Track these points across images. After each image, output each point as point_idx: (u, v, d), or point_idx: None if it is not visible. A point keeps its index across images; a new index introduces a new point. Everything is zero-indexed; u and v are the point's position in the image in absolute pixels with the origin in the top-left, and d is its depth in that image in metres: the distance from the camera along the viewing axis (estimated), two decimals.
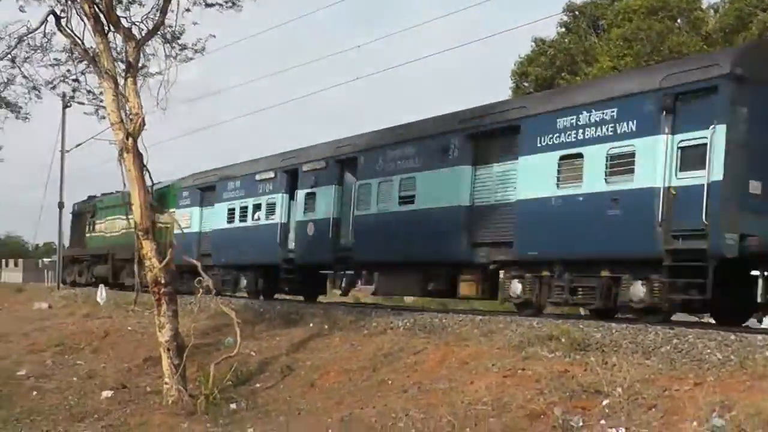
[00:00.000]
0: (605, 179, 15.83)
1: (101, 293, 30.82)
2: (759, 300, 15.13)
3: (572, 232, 16.40)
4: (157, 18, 16.44)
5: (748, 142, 14.19)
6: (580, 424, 10.01)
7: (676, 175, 14.79)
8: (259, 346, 18.25)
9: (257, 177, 27.25)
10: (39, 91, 18.62)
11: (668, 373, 10.64)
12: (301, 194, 25.00)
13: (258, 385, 15.81)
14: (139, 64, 16.53)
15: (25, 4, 16.52)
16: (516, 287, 17.88)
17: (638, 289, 15.24)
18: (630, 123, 15.69)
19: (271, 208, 26.19)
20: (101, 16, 15.76)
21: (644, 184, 15.17)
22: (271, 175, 26.58)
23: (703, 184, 14.25)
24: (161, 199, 32.41)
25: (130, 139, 15.60)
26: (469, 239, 18.93)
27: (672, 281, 14.68)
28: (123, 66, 16.28)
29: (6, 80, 18.23)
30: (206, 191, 30.54)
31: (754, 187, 14.22)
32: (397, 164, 21.21)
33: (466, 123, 19.60)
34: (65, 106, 40.93)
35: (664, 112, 15.08)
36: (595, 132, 16.32)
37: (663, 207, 14.80)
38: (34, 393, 16.85)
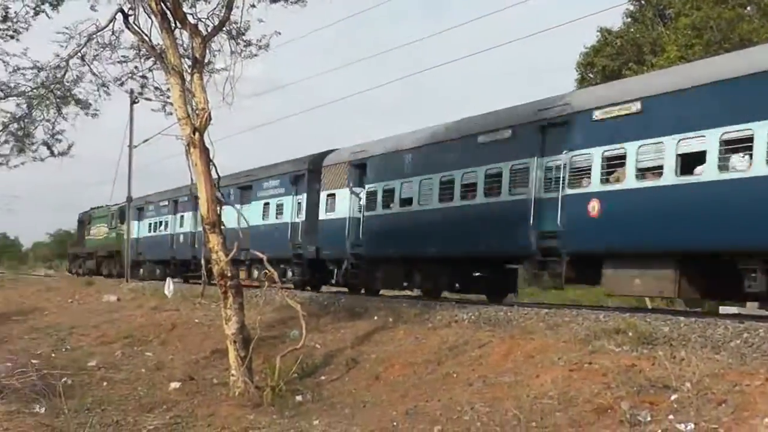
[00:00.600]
0: (276, 217, 30.39)
1: (169, 286, 31.26)
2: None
3: (268, 243, 27.10)
4: (222, 14, 16.57)
5: (316, 201, 27.68)
6: (648, 419, 9.88)
7: (297, 216, 28.92)
8: (324, 338, 18.36)
9: (160, 203, 44.30)
10: (108, 88, 18.90)
11: (738, 368, 10.45)
12: (178, 216, 41.37)
13: (323, 377, 15.90)
14: (205, 60, 16.68)
15: (96, 3, 16.79)
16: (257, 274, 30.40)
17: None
18: (281, 188, 30.59)
19: (166, 223, 43.05)
20: (168, 13, 15.94)
21: (286, 220, 29.67)
22: (165, 203, 43.37)
23: (298, 222, 28.69)
24: (123, 213, 48.44)
25: (197, 134, 15.74)
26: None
27: (294, 269, 29.14)
28: (189, 62, 16.45)
29: (76, 78, 18.53)
30: (140, 211, 46.73)
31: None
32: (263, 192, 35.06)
33: (236, 180, 33.56)
34: (133, 103, 41.52)
35: (292, 184, 29.59)
36: (274, 192, 31.02)
37: (291, 233, 28.87)
38: (105, 384, 17.13)
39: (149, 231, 45.32)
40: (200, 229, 35.48)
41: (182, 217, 40.48)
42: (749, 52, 17.46)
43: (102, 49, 17.79)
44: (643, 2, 42.08)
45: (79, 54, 17.49)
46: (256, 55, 18.28)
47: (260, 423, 12.87)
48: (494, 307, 18.18)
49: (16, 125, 20.06)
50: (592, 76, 41.73)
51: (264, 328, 17.51)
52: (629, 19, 42.53)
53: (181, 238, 40.33)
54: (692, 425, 9.38)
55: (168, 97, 17.87)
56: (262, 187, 32.25)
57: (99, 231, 54.21)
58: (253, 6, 17.10)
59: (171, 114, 17.97)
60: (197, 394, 15.60)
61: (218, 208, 16.08)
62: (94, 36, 17.18)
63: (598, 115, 17.79)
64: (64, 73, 18.01)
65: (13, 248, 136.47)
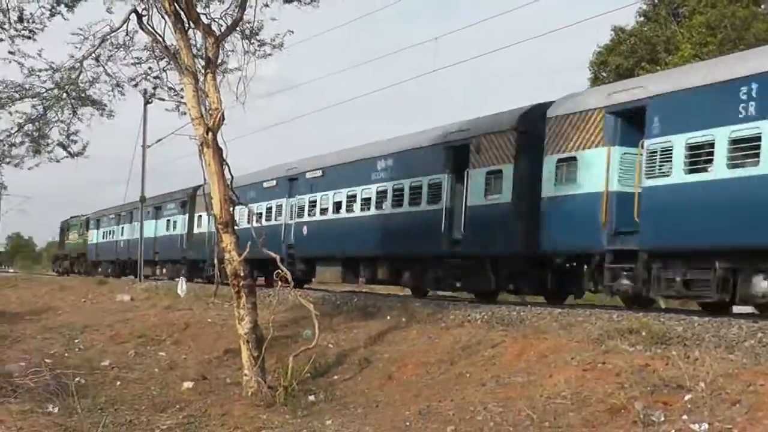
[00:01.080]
0: (173, 230, 42.80)
1: (182, 286, 31.35)
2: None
3: (169, 248, 44.36)
4: (236, 14, 16.59)
5: (193, 219, 41.61)
6: (662, 419, 9.84)
7: (184, 229, 42.85)
8: (337, 338, 18.37)
9: (110, 217, 57.04)
10: (122, 89, 18.97)
11: (753, 367, 10.41)
12: (120, 227, 54.10)
13: (336, 377, 15.91)
14: (219, 60, 16.68)
15: (111, 5, 16.83)
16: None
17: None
18: (176, 209, 44.38)
19: (113, 232, 56.23)
20: (181, 13, 15.94)
21: (178, 233, 43.47)
22: (113, 216, 56.01)
23: (184, 234, 42.88)
24: (88, 223, 62.82)
25: (210, 134, 15.75)
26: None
27: (183, 267, 41.60)
28: (203, 62, 16.47)
29: (91, 79, 18.59)
30: (98, 221, 59.79)
31: None
32: (167, 212, 46.62)
33: (153, 201, 47.06)
34: (146, 103, 41.69)
35: (182, 206, 41.74)
36: (172, 211, 44.86)
37: (180, 242, 42.76)
38: (118, 383, 17.15)
39: (103, 238, 58.79)
40: (136, 236, 47.52)
41: (123, 228, 53.07)
42: (362, 147, 29.10)
43: (116, 50, 17.86)
44: (656, 1, 41.92)
45: (93, 55, 17.55)
46: (270, 55, 18.33)
47: (273, 423, 12.88)
48: (507, 306, 18.17)
49: (31, 126, 20.11)
50: (605, 74, 41.59)
51: (277, 327, 17.52)
52: (642, 18, 42.40)
53: (122, 243, 52.83)
54: (706, 425, 9.34)
55: (181, 97, 17.90)
56: (167, 207, 45.86)
57: (74, 237, 68.26)
58: (267, 5, 17.13)
59: (184, 114, 18.00)
60: (210, 393, 15.61)
61: (231, 208, 16.10)
62: (108, 37, 17.24)
63: (308, 176, 30.97)
64: (79, 74, 18.07)
65: (27, 248, 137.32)
